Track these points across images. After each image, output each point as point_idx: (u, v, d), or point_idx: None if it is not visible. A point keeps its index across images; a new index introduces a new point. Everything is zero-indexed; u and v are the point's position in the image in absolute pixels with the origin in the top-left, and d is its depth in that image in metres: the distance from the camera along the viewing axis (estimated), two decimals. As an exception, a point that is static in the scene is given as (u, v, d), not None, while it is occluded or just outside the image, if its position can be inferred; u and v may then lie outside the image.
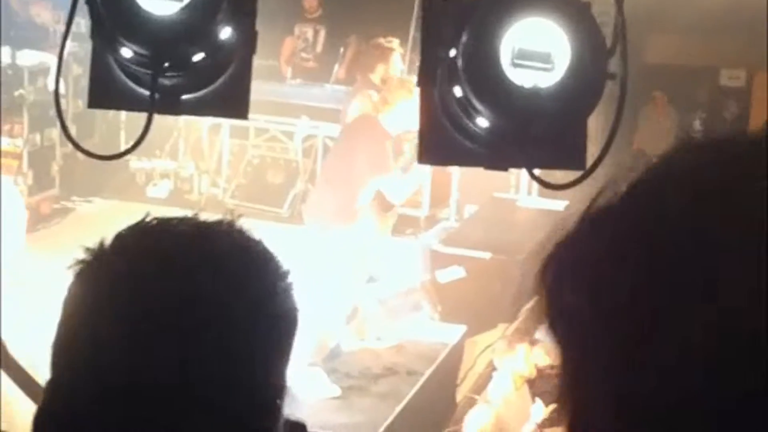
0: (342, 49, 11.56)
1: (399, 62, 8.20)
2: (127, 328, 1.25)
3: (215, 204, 11.25)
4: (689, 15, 11.16)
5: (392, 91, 7.08)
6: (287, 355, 1.36)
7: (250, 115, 9.02)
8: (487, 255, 8.50)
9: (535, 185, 8.41)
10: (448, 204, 10.90)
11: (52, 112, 10.08)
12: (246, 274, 1.32)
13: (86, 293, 1.32)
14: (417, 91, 7.66)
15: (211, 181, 11.60)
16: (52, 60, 10.28)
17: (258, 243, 1.38)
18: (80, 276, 1.33)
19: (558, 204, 9.09)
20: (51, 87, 9.64)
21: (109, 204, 11.07)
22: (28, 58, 10.31)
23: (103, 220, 10.29)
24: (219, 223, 1.38)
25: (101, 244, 1.34)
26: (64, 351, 1.30)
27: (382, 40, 8.30)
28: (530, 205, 9.67)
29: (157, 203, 11.24)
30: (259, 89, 10.09)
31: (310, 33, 12.04)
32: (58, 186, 10.77)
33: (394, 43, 8.26)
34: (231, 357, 1.27)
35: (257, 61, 2.83)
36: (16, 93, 10.17)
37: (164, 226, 1.37)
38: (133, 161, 11.34)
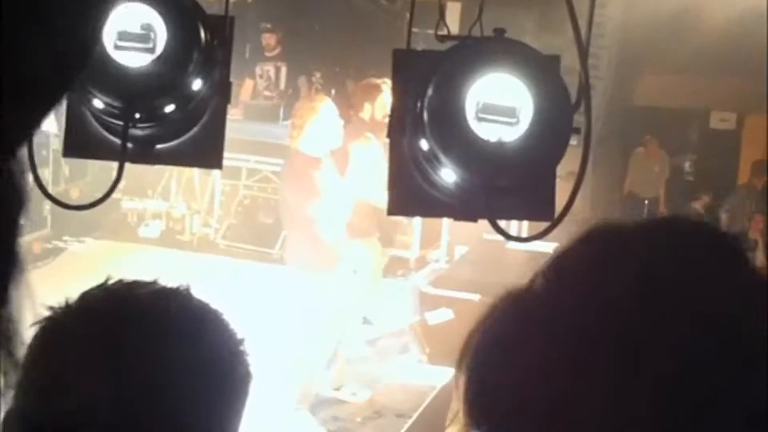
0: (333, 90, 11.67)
1: (388, 101, 8.21)
2: (81, 390, 1.28)
3: (207, 244, 11.26)
4: (679, 56, 11.23)
5: (298, 116, 7.07)
6: (237, 417, 1.39)
7: (242, 156, 8.96)
8: (476, 297, 8.51)
9: (525, 227, 8.44)
10: (438, 245, 10.92)
11: (45, 151, 10.17)
12: (198, 339, 1.36)
13: (45, 355, 1.35)
14: (323, 107, 7.45)
15: (203, 221, 11.61)
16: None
17: (213, 310, 1.42)
18: (41, 337, 1.36)
19: (547, 246, 9.10)
20: (44, 127, 9.65)
21: (101, 244, 11.08)
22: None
23: (95, 259, 10.30)
24: (177, 289, 1.41)
25: (66, 304, 1.38)
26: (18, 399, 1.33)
27: (373, 80, 8.34)
28: (519, 246, 9.68)
29: (149, 243, 11.25)
30: (250, 130, 10.02)
31: (272, 71, 12.14)
32: (50, 226, 10.78)
33: (387, 83, 8.29)
34: (179, 419, 1.30)
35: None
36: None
37: (125, 290, 1.40)
38: (125, 201, 11.36)
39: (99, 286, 1.41)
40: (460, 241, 10.41)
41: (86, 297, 1.39)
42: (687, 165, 11.91)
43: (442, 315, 8.34)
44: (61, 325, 1.36)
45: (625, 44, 10.36)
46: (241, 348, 1.41)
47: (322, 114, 6.90)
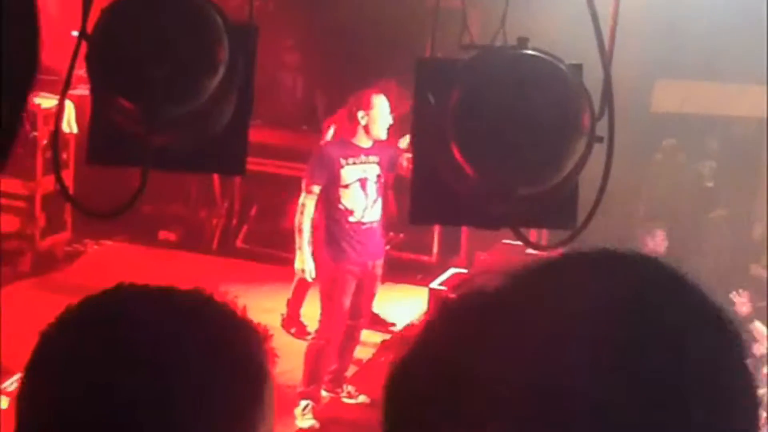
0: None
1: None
2: (94, 403, 1.25)
3: (227, 248, 11.27)
4: (697, 61, 11.18)
5: (352, 105, 7.28)
6: (258, 418, 1.34)
7: (262, 161, 8.96)
8: (495, 302, 8.50)
9: (544, 232, 8.40)
10: (458, 250, 10.91)
11: (66, 155, 10.19)
12: (211, 343, 1.31)
13: (43, 368, 1.31)
14: (377, 99, 7.46)
15: (223, 225, 11.62)
16: (67, 104, 10.35)
17: (231, 311, 1.36)
18: (41, 348, 1.32)
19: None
20: (65, 130, 9.70)
21: (121, 247, 11.11)
22: (43, 101, 10.39)
23: (115, 263, 10.33)
24: (192, 292, 1.36)
25: (68, 312, 1.33)
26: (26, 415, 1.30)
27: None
28: (539, 252, 9.63)
29: (169, 247, 11.26)
30: (270, 135, 9.98)
31: (288, 80, 12.21)
32: (71, 229, 10.81)
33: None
34: (191, 424, 1.26)
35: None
36: (31, 136, 10.25)
37: (133, 296, 1.36)
38: (145, 205, 11.38)
39: (106, 292, 1.35)
40: (479, 246, 10.39)
41: (91, 303, 1.34)
42: (707, 172, 11.83)
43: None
44: (62, 335, 1.31)
45: (641, 50, 10.32)
46: (263, 348, 1.36)
47: (376, 106, 7.04)
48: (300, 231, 7.20)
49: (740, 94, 11.44)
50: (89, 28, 2.56)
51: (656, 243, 9.45)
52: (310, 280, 7.24)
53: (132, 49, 2.50)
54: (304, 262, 7.21)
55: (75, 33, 2.64)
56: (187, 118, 2.59)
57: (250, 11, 2.86)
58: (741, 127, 11.80)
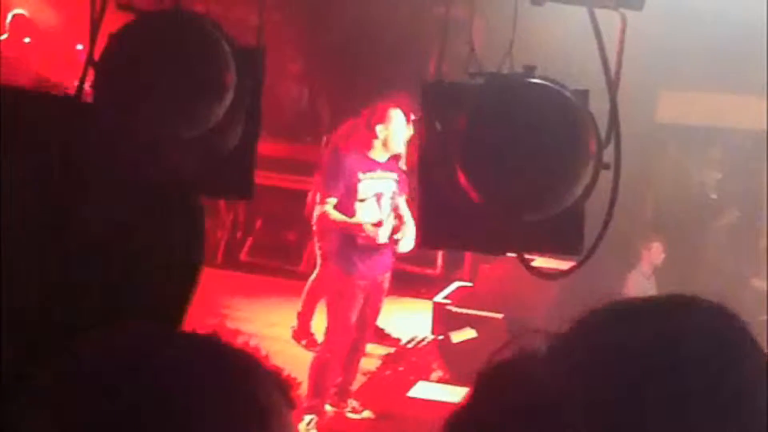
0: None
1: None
2: None
3: (231, 261, 11.27)
4: (702, 72, 11.18)
5: (369, 118, 7.18)
6: None
7: (266, 173, 8.83)
8: (499, 315, 8.51)
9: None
10: (462, 264, 10.91)
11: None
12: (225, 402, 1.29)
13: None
14: (394, 113, 7.33)
15: (227, 238, 11.62)
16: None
17: (246, 356, 1.33)
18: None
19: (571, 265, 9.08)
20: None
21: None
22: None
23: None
24: (205, 336, 1.33)
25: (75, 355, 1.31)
26: None
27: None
28: (544, 265, 9.63)
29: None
30: (274, 148, 9.87)
31: (294, 91, 12.22)
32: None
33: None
34: None
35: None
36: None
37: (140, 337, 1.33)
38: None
39: (111, 332, 1.32)
40: (484, 259, 10.39)
41: (95, 341, 1.31)
42: (711, 181, 11.84)
43: (466, 334, 8.33)
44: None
45: (644, 60, 10.31)
46: (284, 400, 1.33)
47: (393, 119, 7.00)
48: (347, 225, 7.10)
49: (745, 105, 11.43)
50: (96, 55, 2.57)
51: (652, 255, 9.47)
52: (385, 240, 7.10)
53: (139, 76, 2.50)
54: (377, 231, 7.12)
55: (80, 47, 2.65)
56: (194, 142, 2.60)
57: (259, 35, 2.87)
58: (745, 138, 11.79)
